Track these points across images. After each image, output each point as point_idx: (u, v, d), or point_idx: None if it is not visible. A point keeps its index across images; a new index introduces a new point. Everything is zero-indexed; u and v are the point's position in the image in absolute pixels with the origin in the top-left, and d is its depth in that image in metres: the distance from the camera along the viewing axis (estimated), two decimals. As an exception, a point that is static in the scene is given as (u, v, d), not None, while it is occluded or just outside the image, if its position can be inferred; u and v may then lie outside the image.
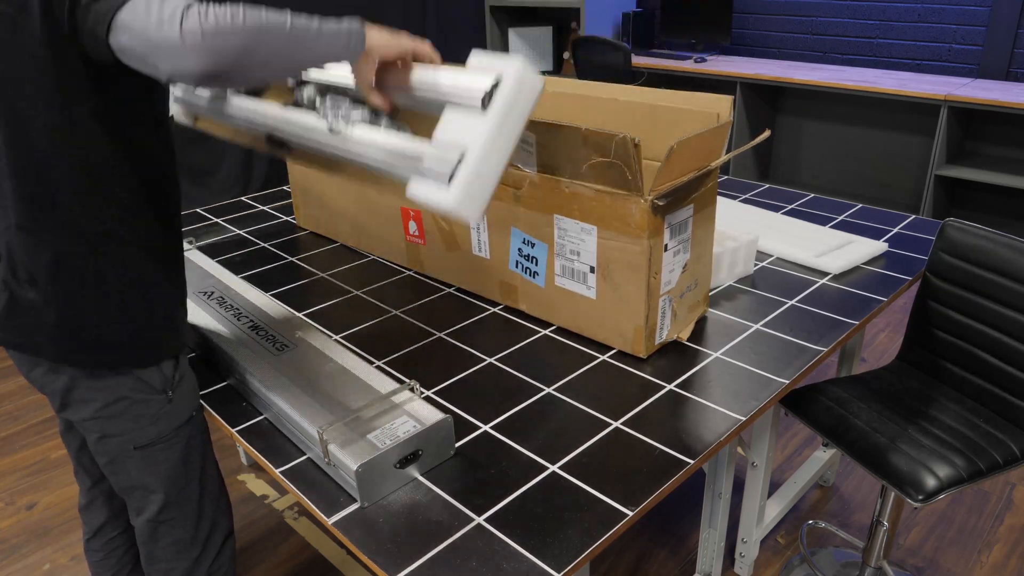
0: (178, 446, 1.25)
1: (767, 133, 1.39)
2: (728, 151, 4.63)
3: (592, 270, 1.33)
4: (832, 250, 1.78)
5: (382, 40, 1.10)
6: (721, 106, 1.35)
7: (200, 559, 1.35)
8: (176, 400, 1.23)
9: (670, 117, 1.41)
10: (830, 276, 1.71)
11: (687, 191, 1.28)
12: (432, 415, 1.12)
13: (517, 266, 1.44)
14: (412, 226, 1.57)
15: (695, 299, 1.45)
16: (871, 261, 1.79)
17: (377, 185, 1.50)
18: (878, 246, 1.80)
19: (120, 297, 1.12)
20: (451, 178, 0.97)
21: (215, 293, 1.56)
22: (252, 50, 0.91)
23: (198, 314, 1.48)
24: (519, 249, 1.41)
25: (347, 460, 1.03)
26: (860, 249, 1.78)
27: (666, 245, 1.28)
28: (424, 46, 1.14)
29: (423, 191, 1.00)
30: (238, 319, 1.45)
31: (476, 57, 1.06)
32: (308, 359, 1.30)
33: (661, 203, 1.21)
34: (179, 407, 1.24)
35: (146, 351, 1.17)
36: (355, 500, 1.06)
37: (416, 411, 1.13)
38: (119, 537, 1.53)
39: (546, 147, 1.24)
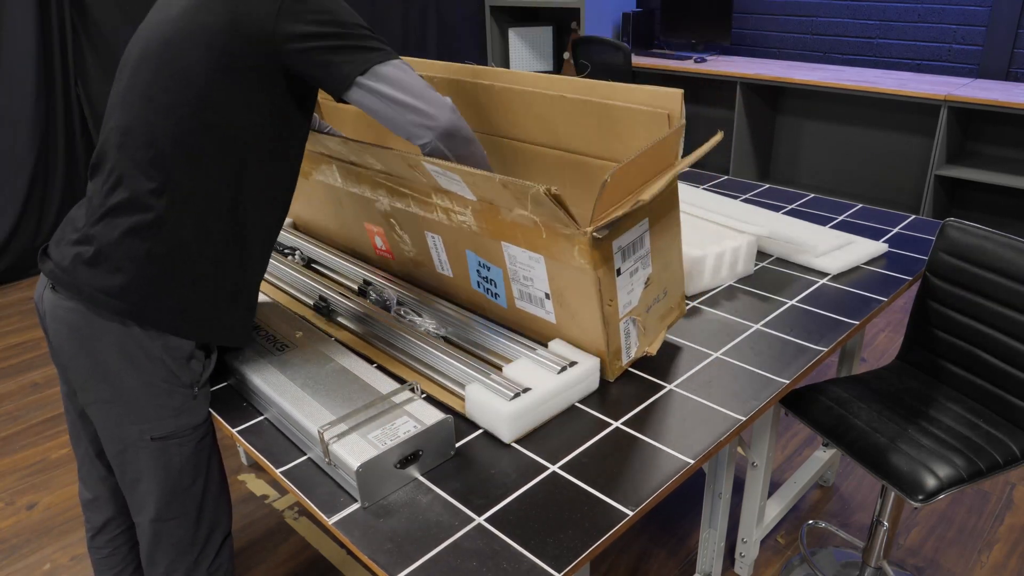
0: (190, 444, 1.27)
1: (719, 135, 1.30)
2: (729, 152, 4.63)
3: (547, 296, 1.29)
4: (832, 250, 1.78)
5: None
6: (672, 104, 1.26)
7: (200, 559, 1.35)
8: (199, 398, 1.26)
9: (620, 116, 1.35)
10: (830, 276, 1.71)
11: (634, 215, 1.21)
12: (432, 415, 1.12)
13: (479, 286, 1.43)
14: (379, 241, 1.57)
15: (667, 307, 1.39)
16: (871, 261, 1.79)
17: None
18: (878, 247, 1.80)
19: (200, 272, 1.19)
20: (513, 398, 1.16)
21: None
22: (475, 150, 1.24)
23: None
24: (477, 271, 1.40)
25: (348, 460, 1.03)
26: (860, 250, 1.78)
27: (618, 270, 1.21)
28: None
29: (484, 395, 1.18)
30: None
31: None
32: (308, 359, 1.30)
33: (600, 236, 1.13)
34: (200, 406, 1.26)
35: (194, 325, 1.21)
36: (355, 500, 1.06)
37: (416, 411, 1.13)
38: (123, 534, 1.53)
39: (474, 185, 1.20)
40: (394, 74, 1.16)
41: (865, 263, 1.77)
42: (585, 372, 1.25)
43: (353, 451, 1.05)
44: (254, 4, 1.11)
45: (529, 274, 1.29)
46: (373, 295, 1.54)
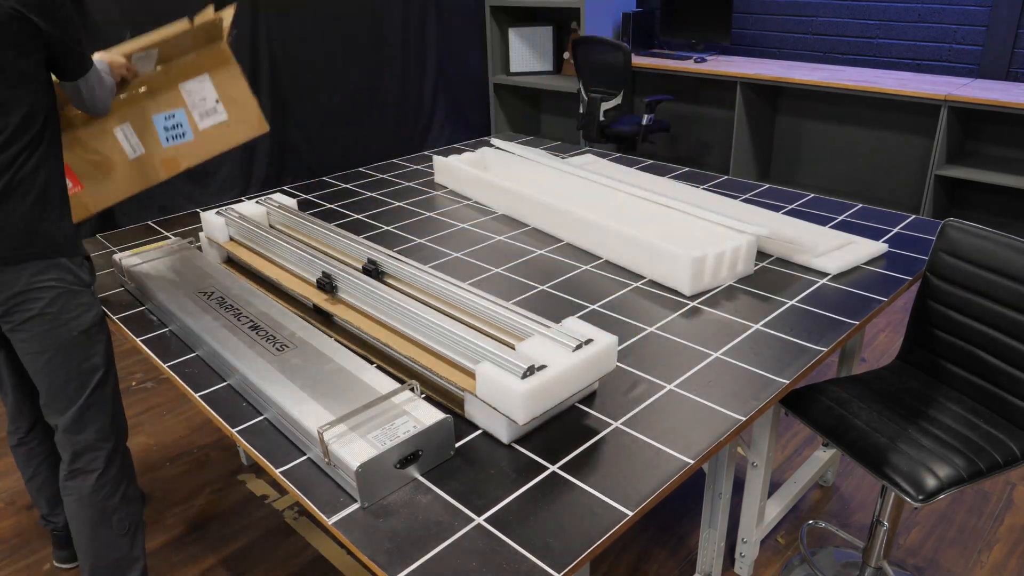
0: (106, 329, 1.60)
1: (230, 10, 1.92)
2: (729, 152, 4.63)
3: (217, 100, 1.96)
4: (832, 250, 1.78)
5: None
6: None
7: (116, 447, 1.65)
8: (96, 294, 1.58)
9: None
10: (830, 276, 1.71)
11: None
12: (432, 415, 1.12)
13: (168, 140, 1.93)
14: (68, 183, 1.74)
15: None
16: (871, 261, 1.79)
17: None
18: (878, 247, 1.80)
19: (57, 205, 1.50)
20: (524, 376, 1.12)
21: (214, 293, 1.56)
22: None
23: (198, 315, 1.48)
24: (164, 128, 1.92)
25: (347, 460, 1.03)
26: (859, 250, 1.78)
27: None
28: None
29: (495, 372, 1.14)
30: (237, 319, 1.45)
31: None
32: (308, 359, 1.30)
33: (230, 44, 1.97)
34: (98, 299, 1.58)
35: (77, 245, 1.54)
36: (355, 500, 1.06)
37: (416, 411, 1.13)
38: (46, 441, 1.86)
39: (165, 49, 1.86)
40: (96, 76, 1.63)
41: (865, 263, 1.77)
42: (602, 350, 1.20)
43: (353, 451, 1.05)
44: None
45: (203, 94, 1.94)
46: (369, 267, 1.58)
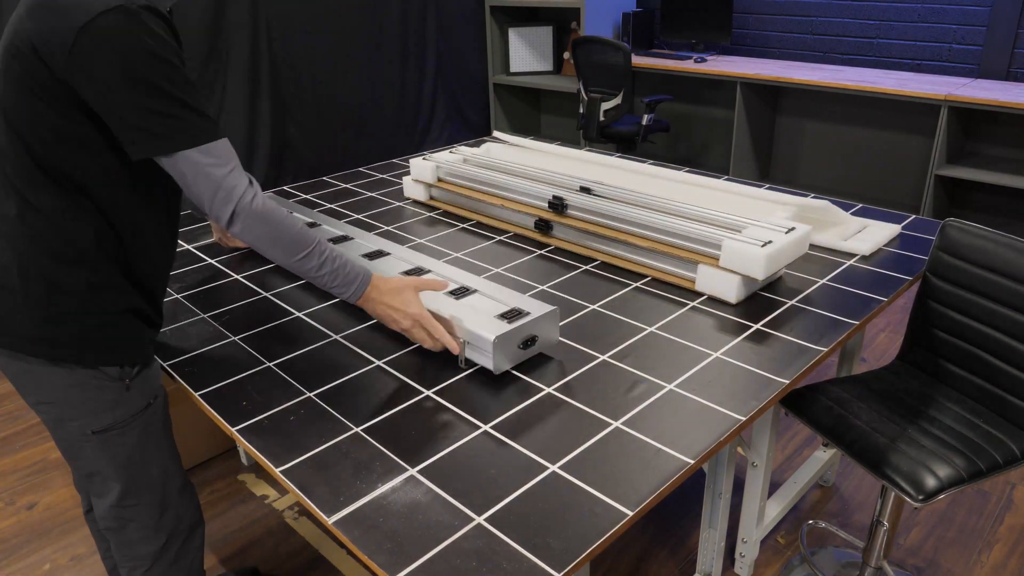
0: (134, 432, 1.29)
1: None
2: (729, 152, 4.63)
3: None
4: (854, 234, 1.86)
5: (379, 310, 1.34)
6: None
7: (167, 546, 1.38)
8: (134, 388, 1.27)
9: None
10: (829, 277, 1.71)
11: None
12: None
13: None
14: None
15: None
16: (870, 261, 1.79)
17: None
18: (894, 228, 1.80)
19: (80, 300, 1.19)
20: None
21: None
22: (267, 251, 1.22)
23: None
24: None
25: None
26: (879, 232, 1.79)
27: None
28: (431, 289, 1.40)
29: (739, 244, 1.55)
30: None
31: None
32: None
33: None
34: (136, 395, 1.28)
35: (103, 354, 1.22)
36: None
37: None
38: None
39: None
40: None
41: (865, 263, 1.78)
42: (802, 235, 1.62)
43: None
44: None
45: None
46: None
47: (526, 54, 5.23)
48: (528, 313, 1.37)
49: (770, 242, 1.56)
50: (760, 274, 1.53)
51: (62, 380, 1.21)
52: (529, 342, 1.36)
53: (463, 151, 2.28)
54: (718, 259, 1.60)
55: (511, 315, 1.37)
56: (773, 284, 1.69)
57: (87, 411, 1.24)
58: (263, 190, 1.82)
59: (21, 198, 1.14)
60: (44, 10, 1.05)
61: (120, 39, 1.04)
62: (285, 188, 2.46)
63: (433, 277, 1.53)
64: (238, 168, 1.16)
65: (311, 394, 1.32)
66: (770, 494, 2.06)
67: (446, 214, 2.17)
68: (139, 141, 1.09)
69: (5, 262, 1.16)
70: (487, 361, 1.33)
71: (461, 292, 1.49)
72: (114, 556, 1.41)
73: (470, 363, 1.39)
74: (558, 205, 1.90)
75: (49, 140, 1.11)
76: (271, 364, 1.41)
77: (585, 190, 1.92)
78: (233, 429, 1.23)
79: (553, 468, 1.11)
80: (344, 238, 1.77)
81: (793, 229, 1.63)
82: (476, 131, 5.32)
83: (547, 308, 1.39)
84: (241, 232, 1.17)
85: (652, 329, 1.50)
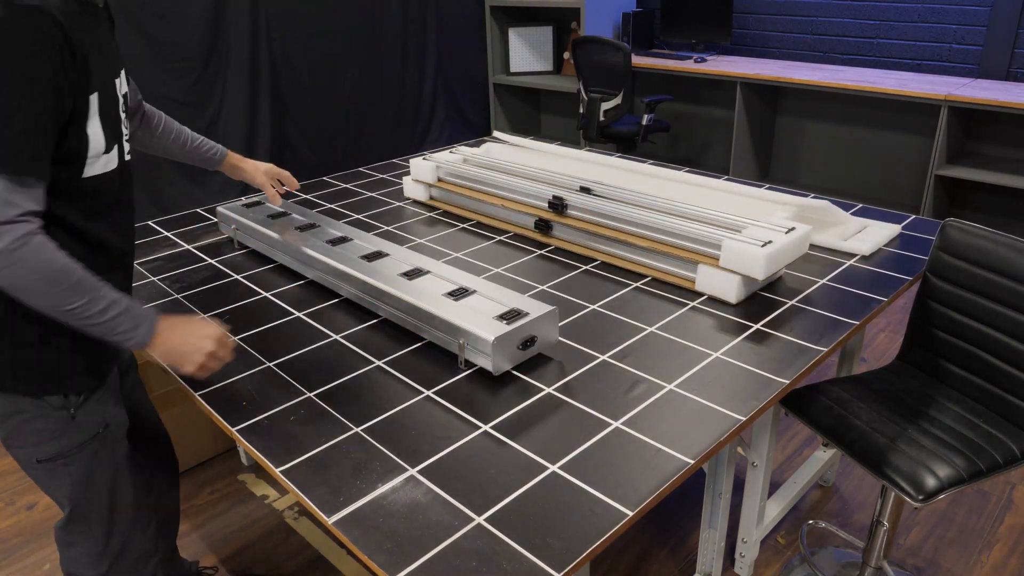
0: (81, 462, 1.25)
1: None
2: (729, 152, 4.63)
3: None
4: (854, 234, 1.86)
5: (176, 340, 1.18)
6: None
7: (109, 573, 1.36)
8: (80, 417, 1.23)
9: None
10: (829, 277, 1.71)
11: None
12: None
13: None
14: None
15: None
16: (870, 261, 1.79)
17: None
18: (894, 228, 1.80)
19: (8, 328, 1.14)
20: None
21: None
22: (27, 294, 1.04)
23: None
24: None
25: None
26: (879, 232, 1.79)
27: None
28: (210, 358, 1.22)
29: (738, 245, 1.57)
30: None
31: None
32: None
33: None
34: (84, 425, 1.24)
35: (40, 383, 1.18)
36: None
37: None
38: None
39: None
40: None
41: (865, 263, 1.78)
42: (802, 235, 1.64)
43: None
44: None
45: None
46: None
47: (526, 54, 5.23)
48: (527, 313, 1.37)
49: (770, 242, 1.56)
50: (760, 274, 1.53)
51: (4, 409, 1.18)
52: (528, 343, 1.36)
53: (463, 151, 2.28)
54: (718, 259, 1.60)
55: (510, 316, 1.37)
56: (773, 284, 1.69)
57: (31, 440, 1.20)
58: (262, 190, 1.83)
59: None
60: None
61: None
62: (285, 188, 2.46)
63: (431, 273, 1.57)
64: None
65: (311, 394, 1.32)
66: (770, 494, 2.06)
67: (446, 214, 2.17)
68: None
69: None
70: (486, 362, 1.32)
71: (460, 293, 1.48)
72: (61, 568, 1.40)
73: (469, 364, 1.38)
74: (558, 205, 1.90)
75: None
76: (271, 364, 1.41)
77: (585, 190, 1.92)
78: (233, 429, 1.23)
79: (553, 468, 1.11)
80: (343, 239, 1.77)
81: (793, 229, 1.63)
82: (476, 131, 5.32)
83: (546, 308, 1.39)
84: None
85: (652, 329, 1.50)
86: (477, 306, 1.43)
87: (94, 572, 1.36)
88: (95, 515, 1.31)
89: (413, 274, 1.58)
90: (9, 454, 1.27)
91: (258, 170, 1.78)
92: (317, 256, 1.68)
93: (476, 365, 1.38)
